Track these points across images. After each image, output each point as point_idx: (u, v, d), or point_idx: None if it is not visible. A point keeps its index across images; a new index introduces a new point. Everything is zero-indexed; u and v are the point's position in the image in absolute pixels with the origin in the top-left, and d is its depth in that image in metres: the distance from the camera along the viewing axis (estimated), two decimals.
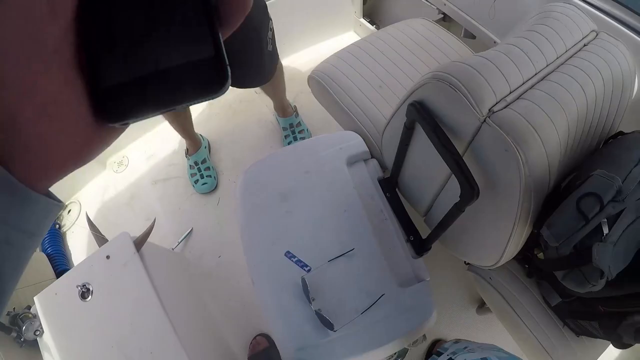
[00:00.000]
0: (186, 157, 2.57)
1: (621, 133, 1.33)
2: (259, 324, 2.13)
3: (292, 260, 1.49)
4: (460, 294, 2.18)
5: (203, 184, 2.51)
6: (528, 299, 1.51)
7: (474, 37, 2.23)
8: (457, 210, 1.21)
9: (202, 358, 1.70)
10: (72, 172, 0.33)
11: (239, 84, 2.00)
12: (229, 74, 0.31)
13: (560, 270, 1.16)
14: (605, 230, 1.02)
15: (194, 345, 1.66)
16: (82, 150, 0.32)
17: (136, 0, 0.30)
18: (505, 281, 1.56)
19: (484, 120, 1.07)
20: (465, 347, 1.16)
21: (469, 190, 1.09)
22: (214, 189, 2.54)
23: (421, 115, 1.19)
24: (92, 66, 0.31)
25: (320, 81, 1.90)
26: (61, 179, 0.33)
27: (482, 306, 2.12)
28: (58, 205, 0.34)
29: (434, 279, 2.13)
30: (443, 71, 1.13)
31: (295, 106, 2.64)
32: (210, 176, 2.52)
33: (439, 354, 1.25)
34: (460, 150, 1.16)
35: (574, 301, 1.38)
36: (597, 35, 1.27)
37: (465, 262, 1.61)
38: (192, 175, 2.56)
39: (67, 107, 0.30)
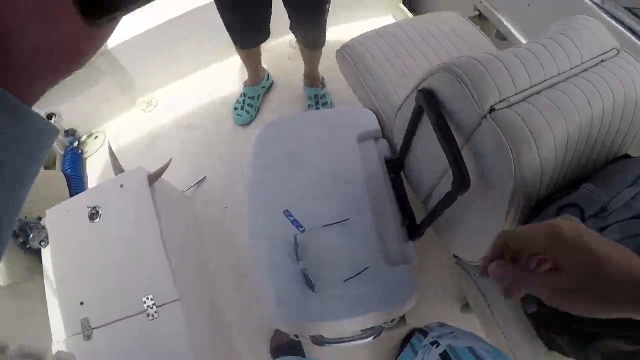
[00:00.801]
0: (244, 85, 2.73)
1: (628, 156, 1.33)
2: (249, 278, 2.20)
3: (289, 219, 1.55)
4: (448, 292, 2.21)
5: (237, 115, 2.69)
6: (507, 303, 1.55)
7: (505, 38, 2.24)
8: (449, 199, 1.26)
9: (191, 295, 1.82)
10: (64, 79, 0.32)
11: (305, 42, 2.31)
12: None
13: None
14: None
15: (184, 280, 1.78)
16: (73, 52, 0.31)
17: None
18: (488, 281, 1.59)
19: (485, 116, 1.10)
20: (451, 332, 1.18)
21: (461, 180, 1.13)
22: (245, 124, 2.69)
23: (427, 102, 1.23)
24: None
25: (347, 57, 1.94)
26: (52, 87, 0.32)
27: (466, 305, 2.16)
28: (53, 127, 0.32)
29: (425, 275, 2.18)
30: (453, 63, 1.16)
31: (323, 78, 2.68)
32: (247, 112, 2.68)
33: (425, 334, 1.27)
34: (460, 142, 1.20)
35: (549, 313, 1.41)
36: (617, 53, 1.26)
37: (454, 255, 1.65)
38: (236, 101, 2.74)
39: (53, 5, 0.29)
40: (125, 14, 0.32)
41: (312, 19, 2.10)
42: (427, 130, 1.37)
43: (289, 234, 1.53)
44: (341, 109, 1.84)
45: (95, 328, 1.62)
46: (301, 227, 1.55)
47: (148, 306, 1.61)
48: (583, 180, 1.17)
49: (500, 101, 1.12)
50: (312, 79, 2.66)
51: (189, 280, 1.89)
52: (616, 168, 1.21)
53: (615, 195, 1.06)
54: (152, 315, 1.60)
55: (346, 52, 1.96)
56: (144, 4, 0.33)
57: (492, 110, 1.10)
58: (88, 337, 1.61)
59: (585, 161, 1.27)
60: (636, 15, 1.59)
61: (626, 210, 1.04)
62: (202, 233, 2.33)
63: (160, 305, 1.62)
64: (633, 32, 1.62)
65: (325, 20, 2.15)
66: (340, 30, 2.92)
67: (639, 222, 1.03)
